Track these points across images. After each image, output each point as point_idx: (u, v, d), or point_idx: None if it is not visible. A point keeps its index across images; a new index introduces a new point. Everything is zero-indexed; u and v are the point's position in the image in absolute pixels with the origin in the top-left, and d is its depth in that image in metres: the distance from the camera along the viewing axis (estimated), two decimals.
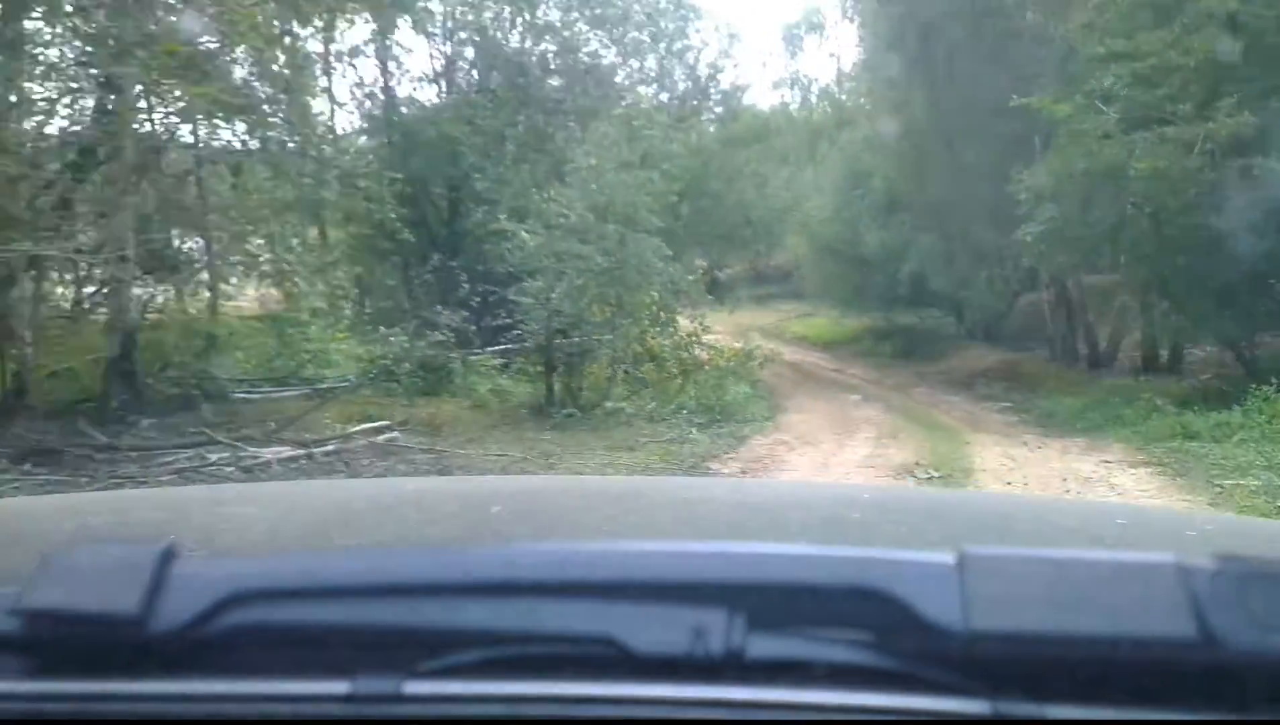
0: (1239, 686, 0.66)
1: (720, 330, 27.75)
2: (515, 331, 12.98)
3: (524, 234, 12.25)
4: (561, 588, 0.73)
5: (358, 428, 9.75)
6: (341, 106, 18.17)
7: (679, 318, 15.23)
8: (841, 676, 0.67)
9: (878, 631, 0.68)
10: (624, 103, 17.14)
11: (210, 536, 1.05)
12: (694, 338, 14.77)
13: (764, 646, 0.68)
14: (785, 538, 1.06)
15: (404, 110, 18.34)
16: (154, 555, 0.72)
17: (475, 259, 15.04)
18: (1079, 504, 2.97)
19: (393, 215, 12.51)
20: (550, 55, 18.06)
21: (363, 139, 18.25)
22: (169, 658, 0.69)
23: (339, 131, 16.73)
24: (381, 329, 12.68)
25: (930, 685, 0.66)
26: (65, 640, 0.70)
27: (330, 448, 9.00)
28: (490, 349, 13.91)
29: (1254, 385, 10.56)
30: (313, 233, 15.49)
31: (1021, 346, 19.77)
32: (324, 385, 11.93)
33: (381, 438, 9.57)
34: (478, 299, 13.74)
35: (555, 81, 18.00)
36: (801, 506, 1.35)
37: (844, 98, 33.08)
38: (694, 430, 11.49)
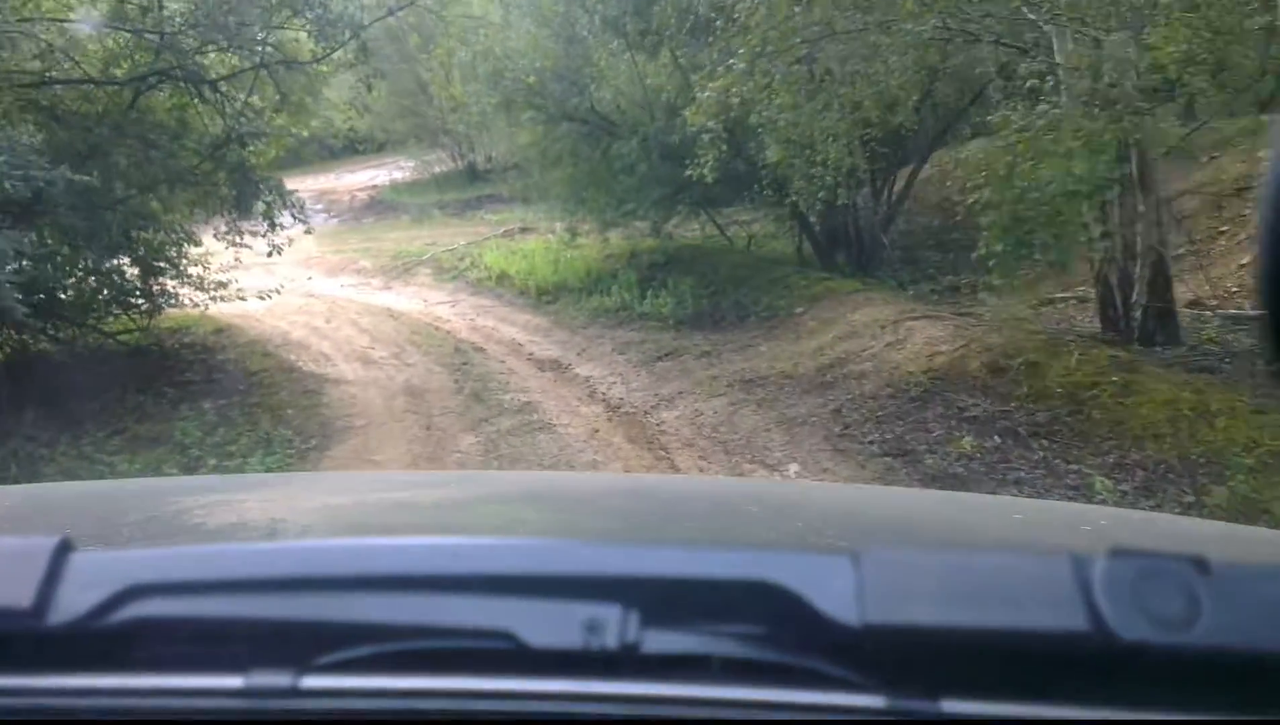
0: (1133, 680, 0.66)
1: (364, 268, 15.37)
2: None
3: None
4: (458, 582, 0.72)
5: None
6: None
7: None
8: (737, 671, 0.67)
9: (774, 626, 0.68)
10: None
11: (107, 530, 1.04)
12: None
13: (660, 641, 0.67)
14: (683, 532, 1.08)
15: None
16: (49, 548, 0.71)
17: None
18: (977, 499, 2.61)
19: None
20: None
21: None
22: (66, 651, 0.69)
23: None
24: None
25: (826, 680, 0.66)
26: None
27: None
28: None
29: None
30: None
31: (949, 288, 8.70)
32: None
33: None
34: None
35: None
36: (700, 501, 1.36)
37: None
38: None
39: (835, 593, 0.66)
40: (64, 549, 0.71)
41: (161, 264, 9.77)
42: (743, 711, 0.65)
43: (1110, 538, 1.00)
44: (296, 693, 0.66)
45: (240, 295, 9.99)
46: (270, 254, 9.37)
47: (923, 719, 0.65)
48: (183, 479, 3.88)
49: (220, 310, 10.37)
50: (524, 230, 15.28)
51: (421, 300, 12.46)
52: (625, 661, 0.66)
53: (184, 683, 0.67)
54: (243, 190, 8.73)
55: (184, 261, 9.85)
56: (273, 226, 9.23)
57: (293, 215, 9.39)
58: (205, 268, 9.96)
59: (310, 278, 14.00)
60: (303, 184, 25.57)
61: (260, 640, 0.69)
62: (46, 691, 0.67)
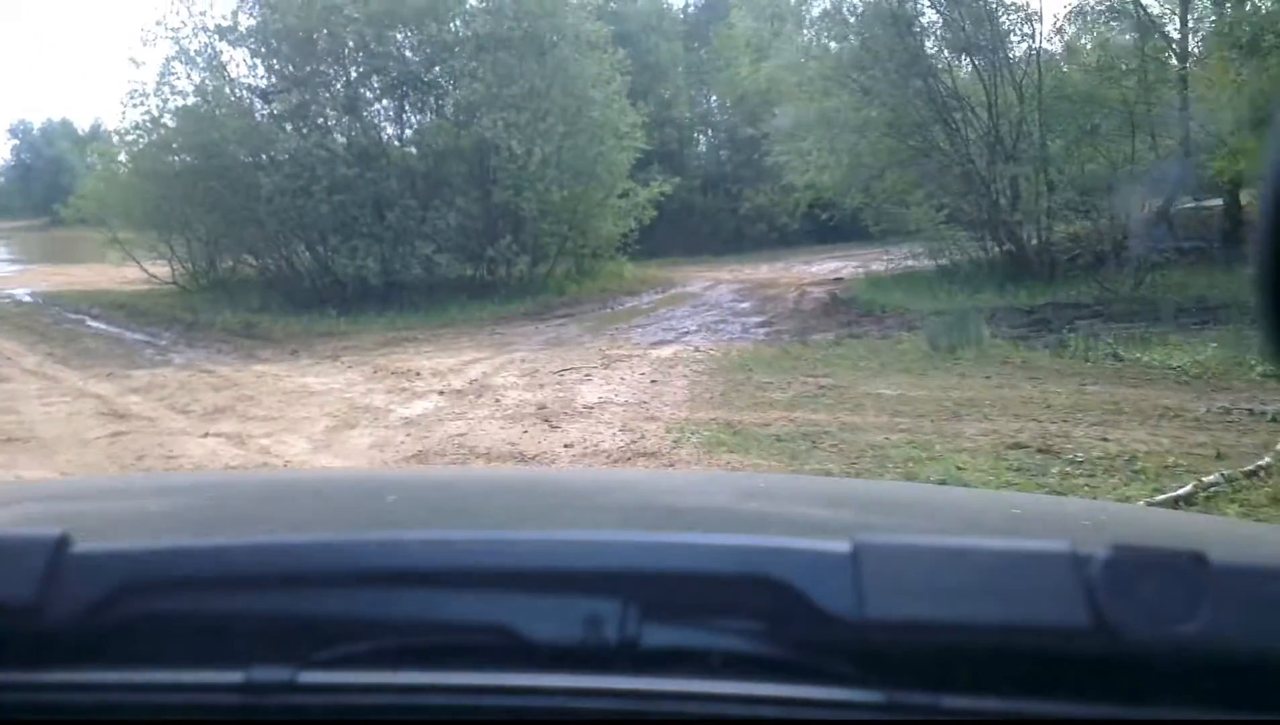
0: (1132, 676, 0.66)
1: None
2: None
3: None
4: (456, 577, 0.73)
5: None
6: None
7: None
8: (736, 665, 0.67)
9: (772, 620, 0.69)
10: None
11: (107, 524, 1.05)
12: None
13: (658, 636, 0.68)
14: (681, 526, 1.08)
15: None
16: (48, 543, 0.71)
17: None
18: (974, 493, 2.82)
19: None
20: None
21: None
22: (65, 646, 0.69)
23: None
24: None
25: (825, 674, 0.67)
26: None
27: None
28: None
29: None
30: None
31: None
32: None
33: None
34: None
35: None
36: (698, 495, 1.36)
37: None
38: None
39: (834, 587, 0.67)
40: (63, 544, 0.71)
41: None
42: (742, 707, 0.66)
43: (1110, 533, 1.01)
44: (296, 688, 0.67)
45: None
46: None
47: (922, 714, 0.66)
48: (182, 475, 3.91)
49: None
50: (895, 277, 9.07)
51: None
52: (624, 656, 0.67)
53: (183, 678, 0.68)
54: None
55: None
56: None
57: None
58: None
59: None
60: (737, 275, 18.82)
61: (260, 635, 0.70)
62: (46, 687, 0.68)
